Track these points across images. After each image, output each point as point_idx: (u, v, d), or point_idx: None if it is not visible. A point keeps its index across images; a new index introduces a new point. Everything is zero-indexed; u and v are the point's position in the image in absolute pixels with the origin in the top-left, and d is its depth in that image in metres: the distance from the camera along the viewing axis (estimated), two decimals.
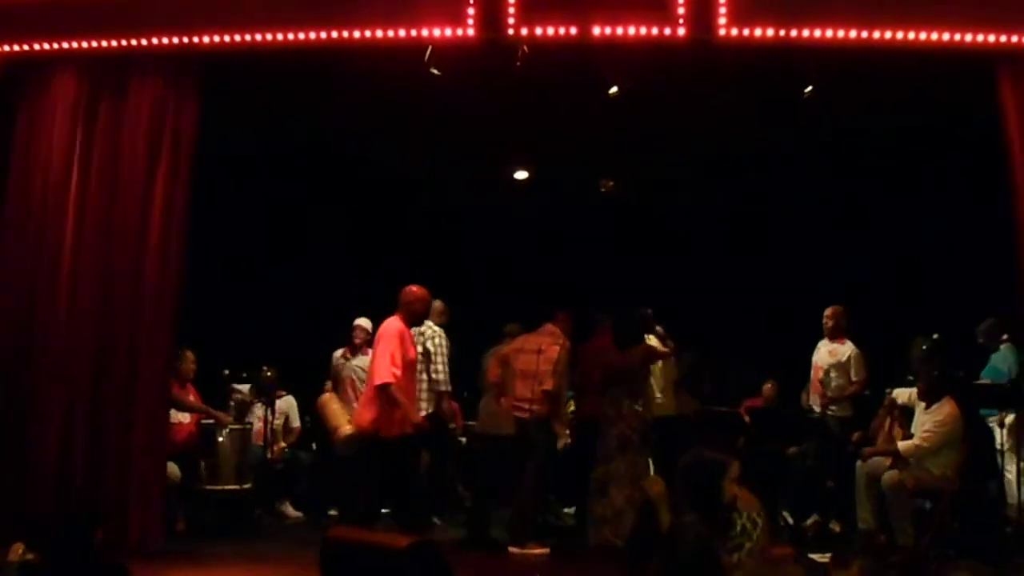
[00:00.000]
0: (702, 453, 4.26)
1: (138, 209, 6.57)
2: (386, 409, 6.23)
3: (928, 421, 6.75)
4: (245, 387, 8.30)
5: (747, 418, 8.19)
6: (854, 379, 7.61)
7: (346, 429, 7.24)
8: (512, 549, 6.85)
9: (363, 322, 8.55)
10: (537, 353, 7.14)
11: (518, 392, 7.17)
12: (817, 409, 7.69)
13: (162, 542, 6.40)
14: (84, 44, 6.72)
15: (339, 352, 8.61)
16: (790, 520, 7.59)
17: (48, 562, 4.10)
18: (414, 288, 6.62)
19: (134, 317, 6.49)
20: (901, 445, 6.80)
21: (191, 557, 6.38)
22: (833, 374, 7.59)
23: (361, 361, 8.56)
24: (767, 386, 8.39)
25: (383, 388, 6.19)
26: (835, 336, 7.76)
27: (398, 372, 6.20)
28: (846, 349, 7.68)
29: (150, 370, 6.49)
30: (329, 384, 8.51)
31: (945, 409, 6.70)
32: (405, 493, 6.42)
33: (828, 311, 7.84)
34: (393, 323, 6.45)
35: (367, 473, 6.43)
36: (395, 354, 6.23)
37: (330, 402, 7.95)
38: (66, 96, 6.75)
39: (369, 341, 7.89)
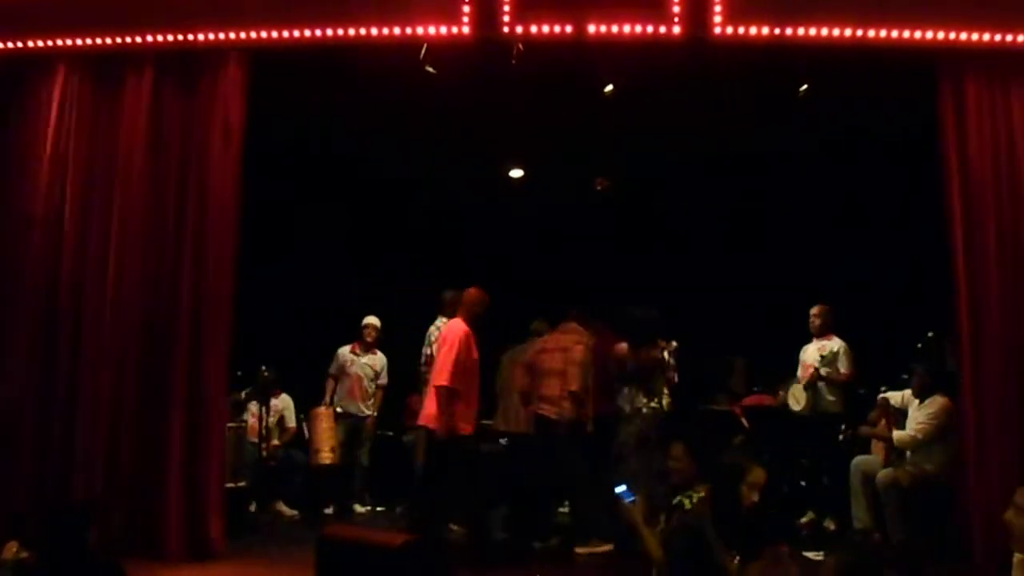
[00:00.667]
0: (727, 457, 4.31)
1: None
2: (445, 409, 6.49)
3: (921, 414, 6.86)
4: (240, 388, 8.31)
5: (743, 418, 8.18)
6: (843, 371, 7.64)
7: (326, 456, 7.93)
8: (578, 550, 6.81)
9: (375, 320, 8.62)
10: (563, 352, 7.06)
11: (545, 392, 7.06)
12: (797, 408, 7.71)
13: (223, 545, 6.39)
14: (79, 41, 6.70)
15: (347, 348, 8.66)
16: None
17: (42, 560, 4.09)
18: (473, 291, 6.92)
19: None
20: (896, 434, 6.86)
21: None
22: (823, 371, 7.61)
23: (370, 359, 8.62)
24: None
25: (439, 390, 6.50)
26: (822, 334, 7.81)
27: (457, 375, 6.50)
28: (833, 344, 7.71)
29: (213, 370, 6.44)
30: (329, 391, 8.53)
31: (938, 401, 6.81)
32: (468, 491, 6.67)
33: (814, 310, 7.89)
34: (458, 326, 6.74)
35: (437, 472, 6.68)
36: (458, 357, 6.53)
37: (321, 420, 8.07)
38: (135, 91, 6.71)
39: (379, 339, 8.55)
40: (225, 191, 6.49)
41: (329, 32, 6.42)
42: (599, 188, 9.77)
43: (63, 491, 6.22)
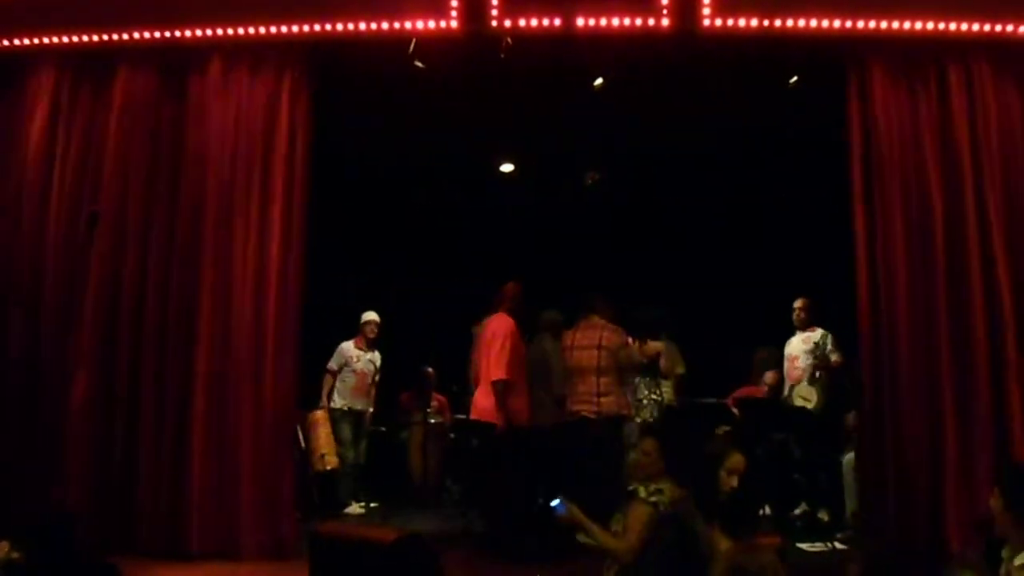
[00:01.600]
0: (705, 444, 4.35)
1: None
2: (504, 402, 6.59)
3: None
4: None
5: (735, 409, 8.18)
6: (834, 359, 7.64)
7: (330, 462, 7.99)
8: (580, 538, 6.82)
9: (375, 316, 8.63)
10: (597, 348, 6.91)
11: (579, 389, 6.91)
12: (809, 406, 7.70)
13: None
14: (65, 39, 6.69)
15: (350, 343, 8.65)
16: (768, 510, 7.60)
17: (31, 561, 4.06)
18: (513, 285, 7.02)
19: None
20: None
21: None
22: (808, 361, 7.65)
23: (372, 356, 8.63)
24: (769, 374, 8.36)
25: (496, 383, 6.57)
26: (805, 327, 7.84)
27: (512, 368, 6.60)
28: (816, 335, 7.74)
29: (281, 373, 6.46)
30: (327, 388, 8.52)
31: None
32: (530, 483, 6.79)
33: (798, 303, 7.91)
34: (505, 320, 6.79)
35: (496, 465, 6.74)
36: (512, 350, 6.64)
37: (320, 425, 8.07)
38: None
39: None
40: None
41: (317, 27, 6.41)
42: (590, 182, 9.76)
43: (123, 495, 6.27)
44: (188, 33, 6.52)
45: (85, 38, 6.65)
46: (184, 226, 6.49)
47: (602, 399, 6.79)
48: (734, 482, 4.27)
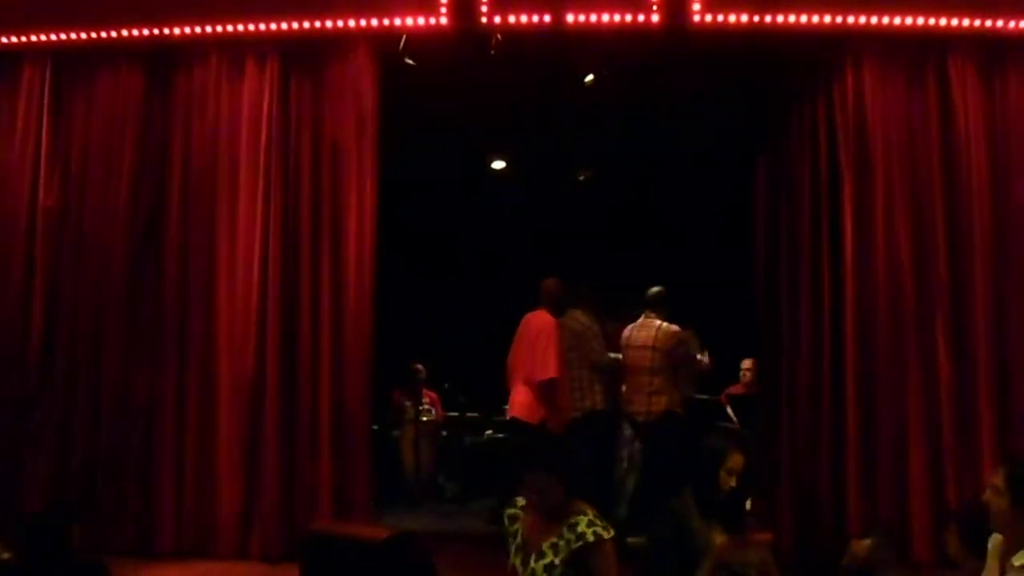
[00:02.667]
0: (707, 440, 4.31)
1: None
2: (551, 401, 6.60)
3: None
4: None
5: (728, 406, 8.18)
6: None
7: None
8: (630, 540, 6.83)
9: None
10: (651, 349, 6.96)
11: (632, 387, 6.99)
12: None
13: None
14: (52, 36, 6.66)
15: None
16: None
17: (21, 560, 4.04)
18: (552, 281, 6.99)
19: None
20: None
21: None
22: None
23: None
24: (746, 361, 8.34)
25: (549, 382, 6.58)
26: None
27: (561, 365, 6.64)
28: None
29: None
30: None
31: None
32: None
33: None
34: (548, 317, 6.81)
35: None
36: (559, 348, 6.67)
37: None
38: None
39: None
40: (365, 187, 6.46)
41: (306, 24, 6.38)
42: (582, 178, 9.75)
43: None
44: (176, 31, 6.50)
45: (72, 35, 6.63)
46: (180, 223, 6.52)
47: (654, 398, 6.87)
48: (733, 482, 4.23)
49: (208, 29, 6.47)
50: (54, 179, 6.61)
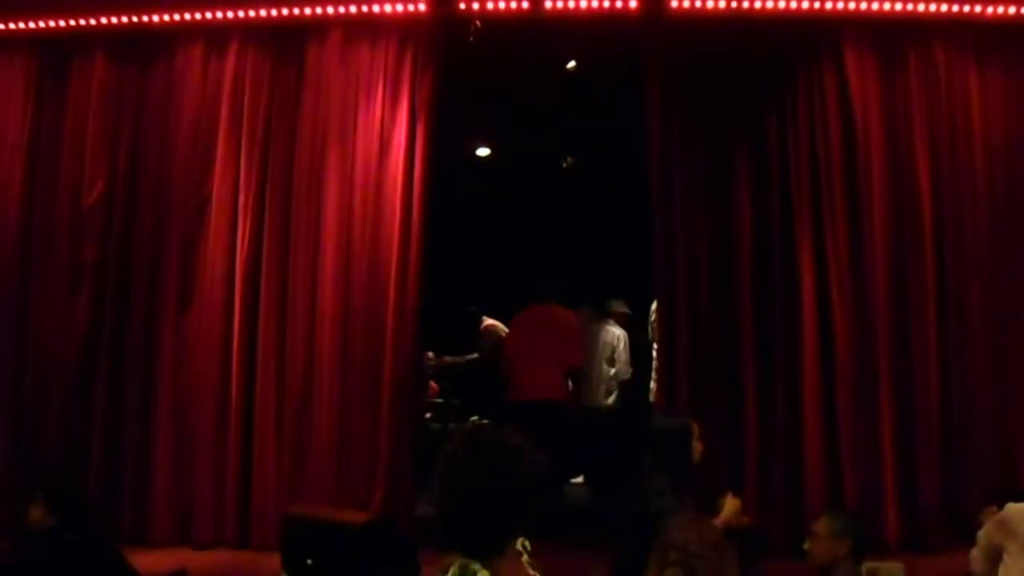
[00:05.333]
0: (665, 421, 4.36)
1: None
2: (578, 386, 7.38)
3: None
4: None
5: None
6: None
7: None
8: None
9: None
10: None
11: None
12: None
13: None
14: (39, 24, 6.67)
15: None
16: None
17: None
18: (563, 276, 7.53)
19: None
20: None
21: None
22: None
23: None
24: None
25: (577, 368, 7.16)
26: None
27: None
28: None
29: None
30: None
31: None
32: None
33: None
34: (569, 313, 7.26)
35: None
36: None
37: None
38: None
39: None
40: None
41: (285, 11, 6.37)
42: (565, 165, 9.75)
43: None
44: (156, 18, 6.51)
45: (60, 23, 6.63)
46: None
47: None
48: (700, 448, 4.31)
49: (187, 16, 6.47)
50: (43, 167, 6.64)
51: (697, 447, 4.30)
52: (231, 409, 6.27)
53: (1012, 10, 6.28)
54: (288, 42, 6.50)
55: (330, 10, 6.31)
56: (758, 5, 6.19)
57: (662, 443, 4.13)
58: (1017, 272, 6.25)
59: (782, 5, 6.21)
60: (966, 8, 6.32)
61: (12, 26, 6.67)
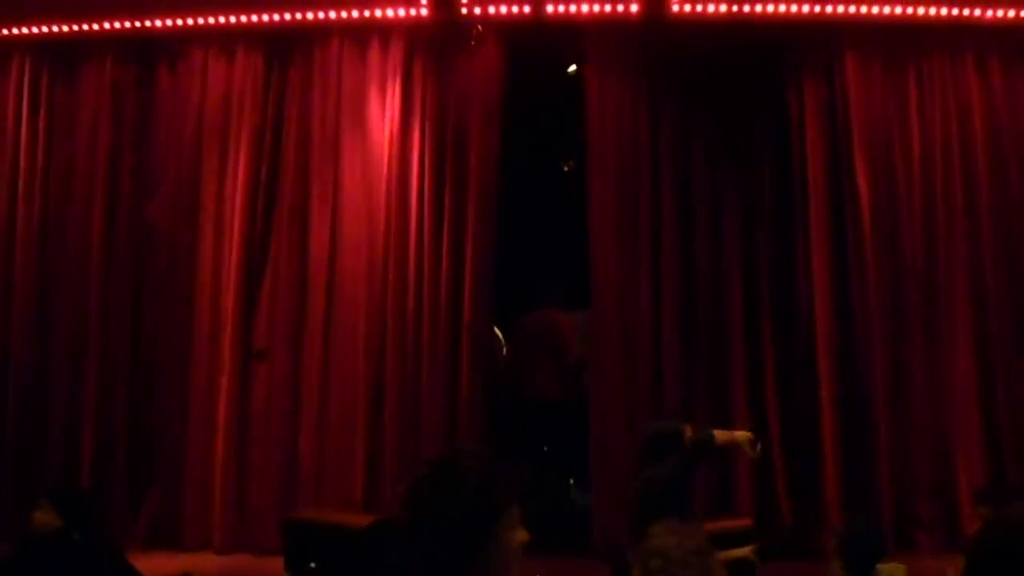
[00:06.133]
0: (656, 424, 4.38)
1: None
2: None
3: None
4: None
5: None
6: None
7: None
8: None
9: None
10: None
11: None
12: None
13: None
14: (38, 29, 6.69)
15: None
16: None
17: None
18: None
19: None
20: None
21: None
22: None
23: None
24: None
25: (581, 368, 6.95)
26: None
27: None
28: None
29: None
30: None
31: None
32: None
33: None
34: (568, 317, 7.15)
35: None
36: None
37: None
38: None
39: None
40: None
41: (288, 16, 6.39)
42: (567, 169, 9.74)
43: None
44: (158, 23, 6.52)
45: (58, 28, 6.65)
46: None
47: None
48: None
49: (190, 21, 6.49)
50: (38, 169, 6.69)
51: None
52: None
53: (1012, 14, 6.29)
54: (291, 47, 6.55)
55: (332, 15, 6.33)
56: (759, 9, 6.20)
57: (651, 447, 4.14)
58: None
59: (783, 9, 6.23)
60: (966, 12, 6.34)
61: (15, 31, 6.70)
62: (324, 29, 6.46)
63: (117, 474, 6.38)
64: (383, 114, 6.42)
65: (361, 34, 6.45)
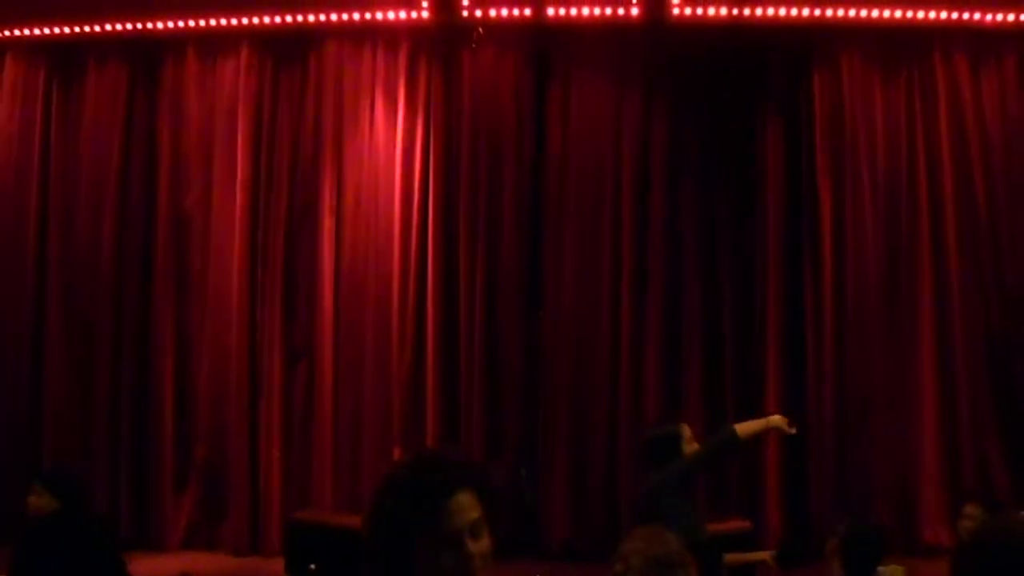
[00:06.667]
0: (653, 430, 4.38)
1: None
2: None
3: None
4: None
5: None
6: None
7: None
8: None
9: None
10: None
11: None
12: None
13: None
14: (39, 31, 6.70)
15: None
16: None
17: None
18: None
19: None
20: None
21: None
22: None
23: None
24: None
25: None
26: None
27: None
28: None
29: None
30: None
31: None
32: None
33: None
34: None
35: None
36: None
37: None
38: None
39: None
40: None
41: (289, 19, 6.41)
42: None
43: None
44: (160, 25, 6.53)
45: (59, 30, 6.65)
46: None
47: None
48: (695, 446, 4.32)
49: (191, 23, 6.49)
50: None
51: (690, 449, 4.30)
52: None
53: (1011, 17, 6.31)
54: (293, 48, 6.56)
55: (334, 17, 6.33)
56: (759, 12, 6.22)
57: (652, 453, 4.13)
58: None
59: (782, 13, 6.24)
60: (965, 16, 6.35)
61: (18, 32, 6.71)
62: (325, 31, 6.46)
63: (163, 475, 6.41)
64: (386, 115, 6.44)
65: (363, 36, 6.47)
